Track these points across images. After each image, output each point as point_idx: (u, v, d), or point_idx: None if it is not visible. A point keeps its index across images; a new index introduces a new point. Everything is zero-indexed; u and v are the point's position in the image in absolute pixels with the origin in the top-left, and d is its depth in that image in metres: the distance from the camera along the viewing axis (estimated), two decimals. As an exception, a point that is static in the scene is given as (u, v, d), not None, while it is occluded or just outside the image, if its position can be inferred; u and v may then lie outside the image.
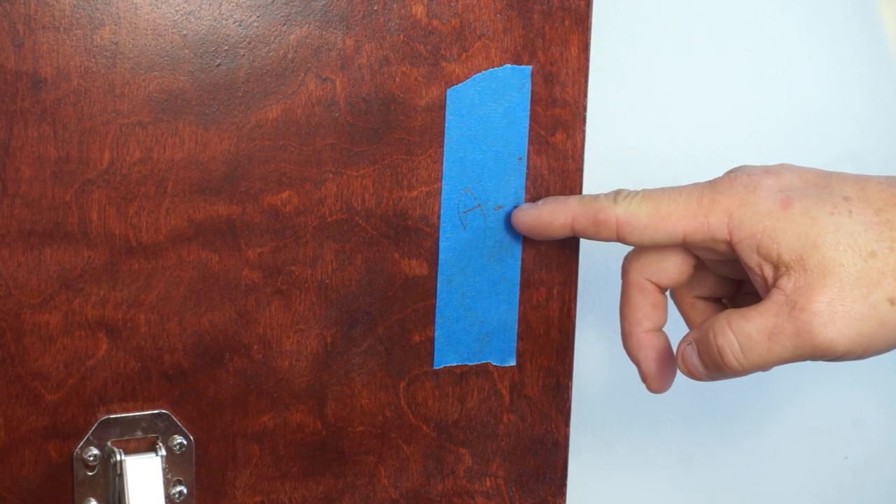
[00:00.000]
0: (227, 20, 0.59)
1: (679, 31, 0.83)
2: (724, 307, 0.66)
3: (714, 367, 0.61)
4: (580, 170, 0.67)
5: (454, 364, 0.66)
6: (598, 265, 0.86)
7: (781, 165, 0.61)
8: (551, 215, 0.63)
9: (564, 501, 0.70)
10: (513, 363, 0.67)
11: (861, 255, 0.58)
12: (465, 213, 0.65)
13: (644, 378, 0.65)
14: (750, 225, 0.59)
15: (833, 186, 0.60)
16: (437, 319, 0.65)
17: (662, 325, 0.64)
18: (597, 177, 0.78)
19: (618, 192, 0.62)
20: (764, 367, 0.60)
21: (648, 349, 0.64)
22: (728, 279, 0.65)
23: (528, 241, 0.66)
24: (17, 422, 0.59)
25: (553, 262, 0.67)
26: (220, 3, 0.59)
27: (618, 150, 0.82)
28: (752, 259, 0.60)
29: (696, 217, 0.60)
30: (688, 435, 0.92)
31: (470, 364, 0.67)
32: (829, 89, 0.89)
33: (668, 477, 0.92)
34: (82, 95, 0.57)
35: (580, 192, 0.67)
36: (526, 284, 0.67)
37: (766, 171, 0.61)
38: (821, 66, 0.88)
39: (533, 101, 0.65)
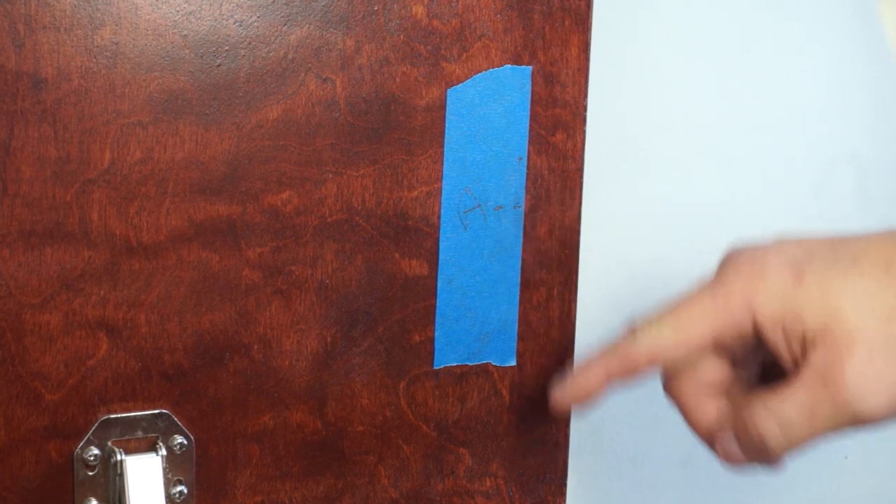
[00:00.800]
0: (227, 20, 0.59)
1: (679, 31, 0.83)
2: (749, 385, 0.65)
3: (757, 453, 0.60)
4: (580, 170, 0.67)
5: (454, 364, 0.66)
6: (599, 265, 0.86)
7: (779, 241, 0.61)
8: (586, 387, 0.63)
9: (564, 501, 0.70)
10: (513, 363, 0.67)
11: (882, 316, 0.57)
12: (465, 213, 0.65)
13: (559, 389, 0.64)
14: (771, 307, 0.59)
15: (837, 250, 0.59)
16: (437, 319, 0.65)
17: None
18: (597, 177, 0.78)
19: (632, 330, 0.62)
20: (807, 444, 0.59)
21: (727, 445, 0.62)
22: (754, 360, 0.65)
23: (528, 241, 0.66)
24: (17, 422, 0.59)
25: (553, 262, 0.67)
26: (221, 4, 0.59)
27: (618, 150, 0.82)
28: (778, 339, 0.59)
29: (717, 314, 0.60)
30: (688, 435, 0.92)
31: (470, 364, 0.67)
32: (829, 89, 0.89)
33: (668, 477, 0.92)
34: (83, 95, 0.57)
35: (580, 192, 0.67)
36: (526, 284, 0.67)
37: (767, 250, 0.60)
38: (821, 66, 0.88)
39: (533, 102, 0.65)
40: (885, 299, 0.57)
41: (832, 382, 0.57)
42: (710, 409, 0.63)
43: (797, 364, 0.59)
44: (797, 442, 0.59)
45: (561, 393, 0.64)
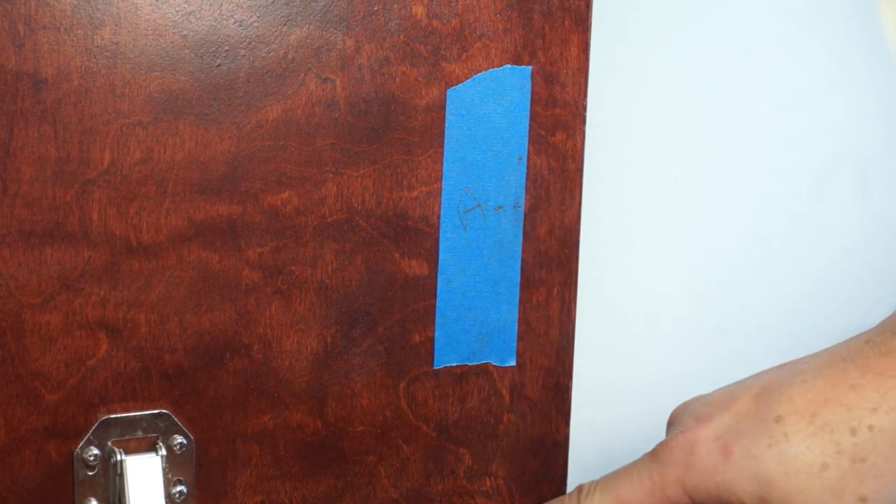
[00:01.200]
0: (227, 20, 0.59)
1: (679, 31, 0.83)
2: None
3: None
4: (580, 170, 0.67)
5: (454, 364, 0.66)
6: (598, 265, 0.86)
7: (710, 405, 0.61)
8: None
9: (564, 501, 0.70)
10: (513, 363, 0.67)
11: (814, 472, 0.58)
12: (465, 213, 0.65)
13: None
14: (703, 486, 0.60)
15: (762, 411, 0.60)
16: (437, 319, 0.65)
17: None
18: (597, 177, 0.78)
19: (579, 491, 0.64)
20: None
21: None
22: None
23: (528, 241, 0.66)
24: (17, 422, 0.59)
25: (553, 262, 0.67)
26: (221, 4, 0.59)
27: (618, 150, 0.82)
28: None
29: (654, 495, 0.61)
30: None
31: (470, 364, 0.67)
32: (829, 89, 0.89)
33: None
34: (83, 95, 0.57)
35: (580, 192, 0.67)
36: (526, 284, 0.67)
37: (698, 420, 0.61)
38: (821, 66, 0.88)
39: (533, 102, 0.65)
40: (813, 455, 0.58)
41: None
42: None
43: None
44: None
45: None
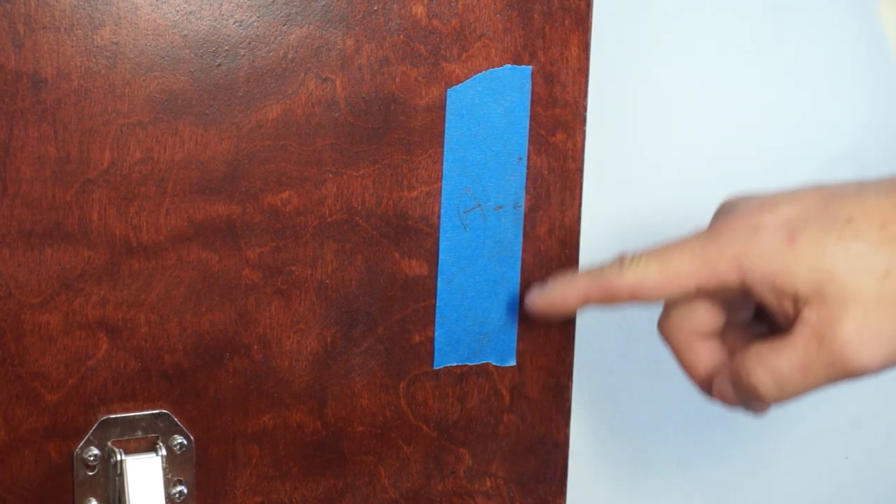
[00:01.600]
0: (227, 20, 0.59)
1: (679, 30, 0.83)
2: (744, 327, 0.65)
3: (752, 400, 0.61)
4: (580, 170, 0.67)
5: (454, 364, 0.66)
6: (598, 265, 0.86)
7: (776, 196, 0.61)
8: (564, 298, 0.64)
9: (564, 501, 0.70)
10: (513, 363, 0.67)
11: (876, 276, 0.58)
12: (465, 213, 0.65)
13: (539, 296, 0.65)
14: (760, 267, 0.59)
15: (832, 208, 0.59)
16: (437, 319, 0.65)
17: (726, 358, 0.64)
18: (597, 177, 0.78)
19: (621, 260, 0.62)
20: (801, 395, 0.60)
21: (724, 390, 0.63)
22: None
23: (528, 241, 0.66)
24: (17, 422, 0.59)
25: (553, 262, 0.67)
26: (221, 4, 0.59)
27: (618, 150, 0.82)
28: (769, 297, 0.59)
29: (704, 270, 0.60)
30: (688, 435, 0.92)
31: (470, 364, 0.67)
32: (829, 89, 0.89)
33: (668, 477, 0.92)
34: (83, 95, 0.57)
35: (580, 192, 0.67)
36: (526, 284, 0.67)
37: (762, 206, 0.60)
38: (821, 66, 0.88)
39: (533, 101, 0.65)
40: (879, 260, 0.58)
41: (827, 341, 0.58)
42: (703, 352, 0.64)
43: (789, 320, 0.59)
44: (790, 395, 0.60)
45: (536, 298, 0.65)
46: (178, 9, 0.58)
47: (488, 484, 0.68)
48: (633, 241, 0.87)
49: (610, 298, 0.62)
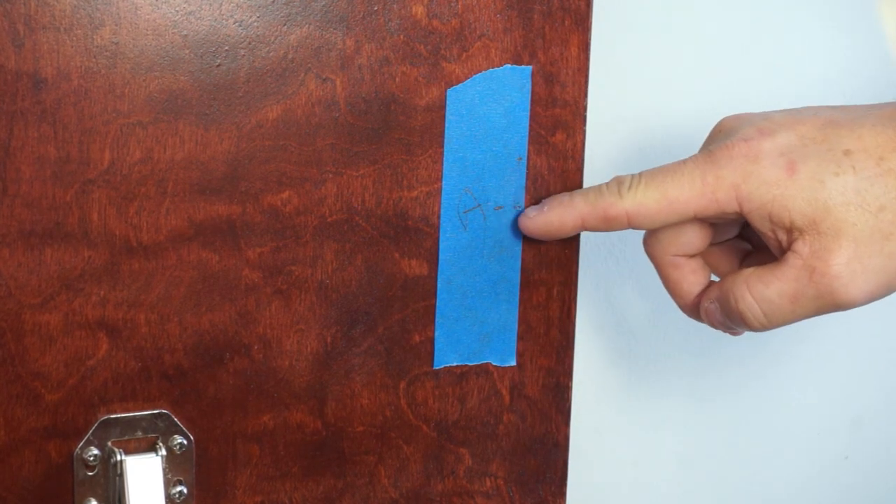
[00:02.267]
0: (227, 20, 0.59)
1: (679, 30, 0.83)
2: (741, 251, 0.66)
3: (738, 325, 0.62)
4: (580, 170, 0.67)
5: (454, 364, 0.66)
6: (599, 265, 0.86)
7: (774, 120, 0.61)
8: (560, 220, 0.63)
9: (564, 501, 0.70)
10: (513, 363, 0.67)
11: (871, 210, 0.58)
12: (465, 213, 0.65)
13: (535, 216, 0.64)
14: (759, 196, 0.60)
15: (831, 140, 0.60)
16: (437, 319, 0.65)
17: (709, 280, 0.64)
18: (597, 177, 0.78)
19: (619, 183, 0.62)
20: (786, 324, 0.61)
21: (711, 312, 0.64)
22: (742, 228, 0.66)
23: (528, 241, 0.66)
24: (17, 422, 0.59)
25: (553, 262, 0.67)
26: (221, 4, 0.59)
27: (618, 150, 0.82)
28: (764, 226, 0.60)
29: (703, 196, 0.60)
30: (688, 435, 0.92)
31: (470, 364, 0.67)
32: (830, 89, 0.89)
33: (668, 477, 0.92)
34: (83, 95, 0.57)
35: (580, 192, 0.67)
36: (526, 284, 0.67)
37: (762, 132, 0.61)
38: (821, 66, 0.88)
39: (533, 101, 0.65)
40: (874, 194, 0.58)
41: (818, 273, 0.59)
42: (688, 271, 0.64)
43: (782, 249, 0.60)
44: (778, 322, 0.61)
45: (532, 219, 0.64)
46: (178, 9, 0.58)
47: (488, 484, 0.68)
48: (633, 241, 0.87)
49: (607, 224, 0.63)
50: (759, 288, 0.60)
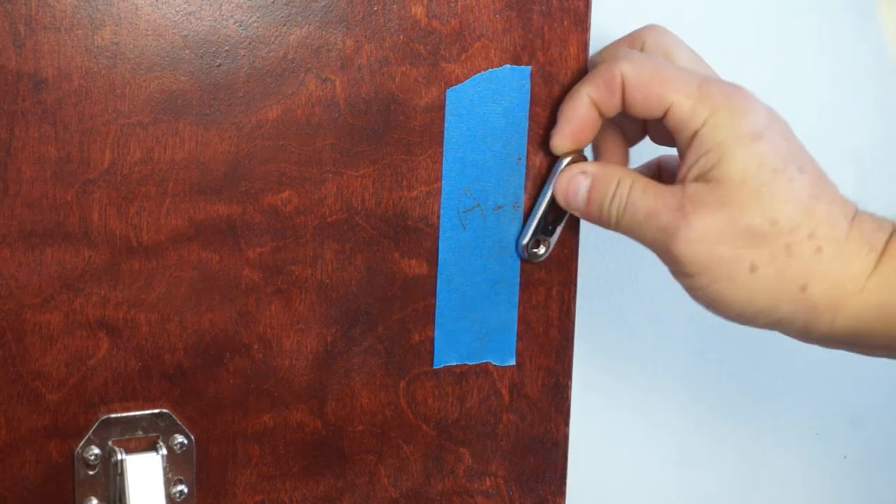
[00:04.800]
0: (227, 21, 0.59)
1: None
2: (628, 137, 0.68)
3: (596, 208, 0.63)
4: (580, 170, 0.67)
5: (454, 364, 0.66)
6: (598, 265, 0.86)
7: (773, 128, 0.62)
8: (573, 109, 0.64)
9: (564, 501, 0.70)
10: (512, 363, 0.67)
11: (766, 218, 0.60)
12: (464, 212, 0.65)
13: (553, 135, 0.65)
14: (720, 140, 0.61)
15: (801, 176, 0.61)
16: (436, 319, 0.65)
17: (607, 113, 0.64)
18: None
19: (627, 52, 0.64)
20: (625, 234, 0.63)
21: (577, 182, 0.64)
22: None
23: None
24: (18, 421, 0.59)
25: (553, 261, 0.67)
26: (221, 4, 0.59)
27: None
28: (692, 156, 0.61)
29: (688, 98, 0.61)
30: (687, 435, 0.92)
31: (470, 364, 0.67)
32: (829, 89, 0.89)
33: (667, 477, 0.92)
34: (83, 96, 0.57)
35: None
36: (525, 284, 0.67)
37: (769, 117, 0.62)
38: (821, 66, 0.88)
39: (532, 102, 0.65)
40: (789, 215, 0.60)
41: (682, 213, 0.61)
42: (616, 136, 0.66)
43: (682, 177, 0.62)
44: (624, 228, 0.63)
45: (560, 140, 0.65)
46: (178, 9, 0.58)
47: (488, 483, 0.68)
48: (633, 241, 0.87)
49: (609, 89, 0.63)
50: (636, 195, 0.62)
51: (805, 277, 0.60)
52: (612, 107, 0.63)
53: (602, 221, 0.64)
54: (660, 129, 0.65)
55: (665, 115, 0.62)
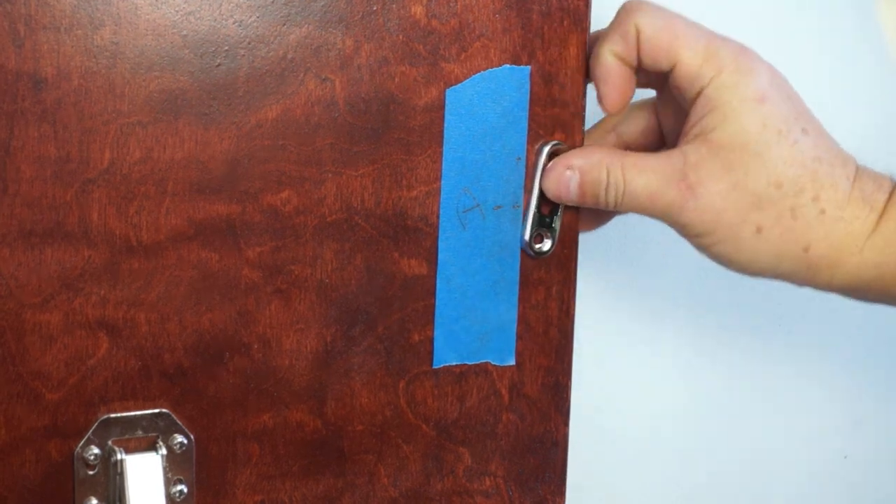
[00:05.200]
0: (226, 20, 0.59)
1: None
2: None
3: (592, 199, 0.64)
4: (579, 169, 0.67)
5: (453, 363, 0.66)
6: (598, 265, 0.86)
7: (776, 89, 0.63)
8: (624, 92, 0.65)
9: (564, 501, 0.70)
10: (512, 362, 0.68)
11: (771, 181, 0.61)
12: (464, 212, 0.65)
13: (601, 99, 0.65)
14: (725, 100, 0.62)
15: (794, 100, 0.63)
16: (436, 319, 0.65)
17: (632, 65, 0.65)
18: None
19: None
20: (629, 212, 0.64)
21: (566, 179, 0.65)
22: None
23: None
24: (17, 421, 0.59)
25: (552, 261, 0.67)
26: (220, 4, 0.59)
27: (617, 151, 0.82)
28: (696, 114, 0.62)
29: (696, 56, 0.62)
30: (687, 434, 0.92)
31: (469, 363, 0.67)
32: (829, 89, 0.89)
33: (667, 477, 0.92)
34: (83, 95, 0.57)
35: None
36: (525, 284, 0.67)
37: (773, 79, 0.63)
38: (821, 66, 0.88)
39: (532, 101, 0.65)
40: (789, 175, 0.62)
41: (686, 183, 0.62)
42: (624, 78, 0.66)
43: (675, 140, 0.63)
44: (627, 209, 0.64)
45: (609, 102, 0.65)
46: (178, 9, 0.58)
47: (487, 483, 0.68)
48: (633, 241, 0.87)
49: (623, 35, 0.63)
50: (632, 174, 0.63)
51: (808, 239, 0.62)
52: (633, 59, 0.64)
53: (600, 207, 0.64)
54: (666, 92, 0.66)
55: (672, 69, 0.63)
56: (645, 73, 0.66)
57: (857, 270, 0.62)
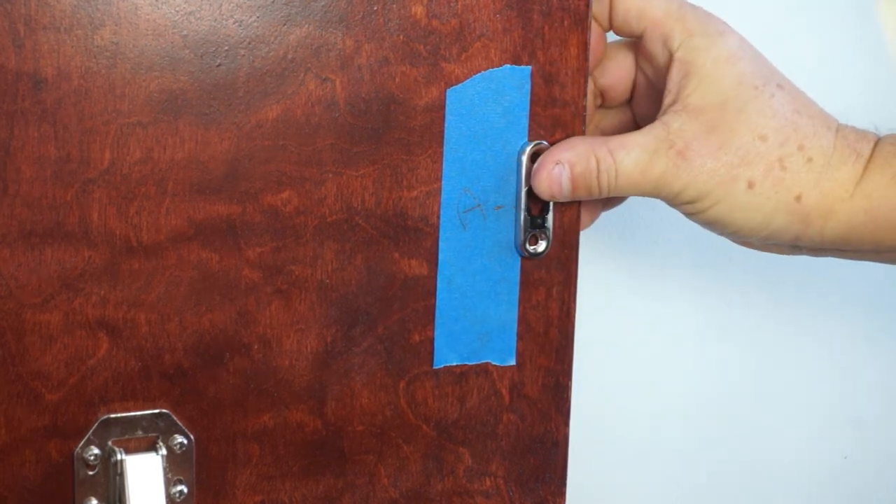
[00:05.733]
0: (227, 20, 0.59)
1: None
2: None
3: (585, 191, 0.64)
4: (580, 170, 0.67)
5: (454, 364, 0.66)
6: (598, 265, 0.86)
7: (746, 49, 0.64)
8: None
9: (564, 501, 0.70)
10: (512, 363, 0.67)
11: (756, 134, 0.62)
12: (464, 212, 0.65)
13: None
14: (700, 63, 0.63)
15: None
16: (436, 319, 0.65)
17: (604, 26, 0.67)
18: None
19: None
20: (619, 195, 0.65)
21: (555, 175, 0.65)
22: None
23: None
24: (17, 421, 0.59)
25: (553, 261, 0.67)
26: (221, 4, 0.59)
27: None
28: (672, 81, 0.63)
29: (667, 18, 0.64)
30: (687, 435, 0.92)
31: (470, 364, 0.67)
32: (829, 89, 0.89)
33: (667, 477, 0.92)
34: (83, 95, 0.57)
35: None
36: (525, 284, 0.67)
37: (742, 41, 0.64)
38: (820, 66, 0.88)
39: (532, 102, 0.65)
40: (769, 127, 0.62)
41: (675, 150, 0.62)
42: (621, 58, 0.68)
43: (657, 110, 0.64)
44: (621, 190, 0.64)
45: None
46: (178, 9, 0.58)
47: (488, 483, 0.68)
48: (633, 241, 0.87)
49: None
50: (620, 155, 0.63)
51: (799, 188, 0.63)
52: (605, 20, 0.65)
53: (593, 197, 0.64)
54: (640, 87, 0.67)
55: (643, 33, 0.64)
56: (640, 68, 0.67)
57: (847, 219, 0.63)
